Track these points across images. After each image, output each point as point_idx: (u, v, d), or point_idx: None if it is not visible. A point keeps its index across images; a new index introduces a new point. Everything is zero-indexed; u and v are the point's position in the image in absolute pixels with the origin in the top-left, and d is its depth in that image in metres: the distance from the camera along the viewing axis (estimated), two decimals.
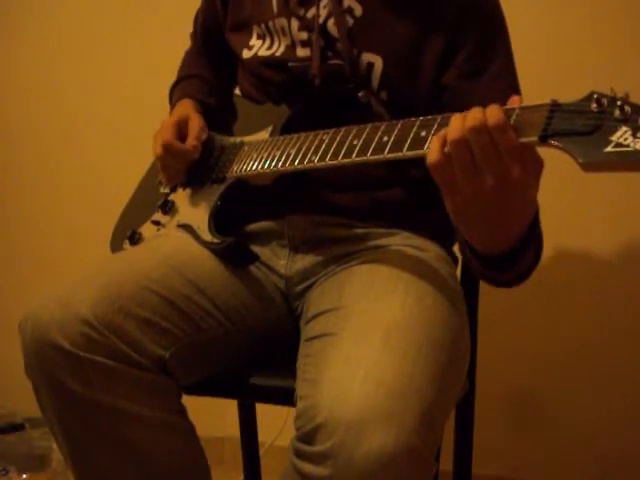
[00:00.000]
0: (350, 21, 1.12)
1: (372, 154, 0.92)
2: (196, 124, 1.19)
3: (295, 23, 1.16)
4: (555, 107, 0.76)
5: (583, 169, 0.71)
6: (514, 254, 0.88)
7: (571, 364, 1.67)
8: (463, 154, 0.78)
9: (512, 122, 0.78)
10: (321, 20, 1.13)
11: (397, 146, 0.90)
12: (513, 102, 0.80)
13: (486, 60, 1.09)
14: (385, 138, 0.91)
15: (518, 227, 0.85)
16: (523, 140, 0.77)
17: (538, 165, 0.80)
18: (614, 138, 0.71)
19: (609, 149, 0.70)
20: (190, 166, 1.21)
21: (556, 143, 0.74)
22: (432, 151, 0.81)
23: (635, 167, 0.69)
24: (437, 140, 0.81)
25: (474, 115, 0.78)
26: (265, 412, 1.53)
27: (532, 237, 0.89)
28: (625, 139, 0.70)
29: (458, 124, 0.79)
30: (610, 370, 1.64)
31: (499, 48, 1.11)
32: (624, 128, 0.71)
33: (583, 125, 0.73)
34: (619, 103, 0.72)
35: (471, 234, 0.88)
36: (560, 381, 1.68)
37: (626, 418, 1.63)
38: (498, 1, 1.12)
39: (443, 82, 1.11)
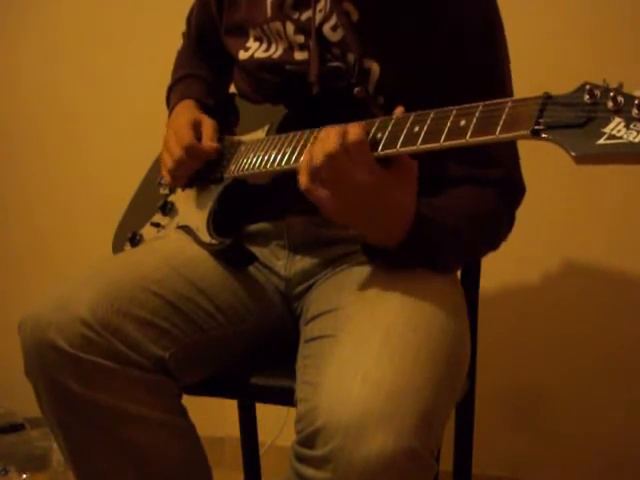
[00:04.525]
0: (347, 26, 1.10)
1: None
2: (210, 125, 1.19)
3: (290, 27, 1.14)
4: (547, 100, 0.75)
5: (576, 162, 0.70)
6: (406, 245, 0.94)
7: (572, 364, 1.66)
8: (326, 173, 0.88)
9: (504, 116, 0.78)
10: (317, 23, 1.11)
11: (391, 143, 0.89)
12: (397, 112, 0.90)
13: (480, 67, 1.08)
14: (379, 135, 0.90)
15: (393, 221, 0.93)
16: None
17: (408, 172, 0.90)
18: (607, 130, 0.69)
19: (602, 141, 0.69)
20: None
21: (548, 136, 0.73)
22: (302, 179, 0.91)
23: (628, 159, 0.68)
24: (304, 170, 0.90)
25: (332, 140, 0.87)
26: (265, 412, 1.52)
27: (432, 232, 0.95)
28: (618, 131, 0.69)
29: (318, 149, 0.88)
30: (611, 370, 1.64)
31: (495, 55, 1.10)
32: (617, 119, 0.70)
33: (575, 117, 0.72)
34: (612, 94, 0.71)
35: (354, 229, 0.97)
36: (560, 381, 1.68)
37: (627, 418, 1.63)
38: (497, 8, 1.11)
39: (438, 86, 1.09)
